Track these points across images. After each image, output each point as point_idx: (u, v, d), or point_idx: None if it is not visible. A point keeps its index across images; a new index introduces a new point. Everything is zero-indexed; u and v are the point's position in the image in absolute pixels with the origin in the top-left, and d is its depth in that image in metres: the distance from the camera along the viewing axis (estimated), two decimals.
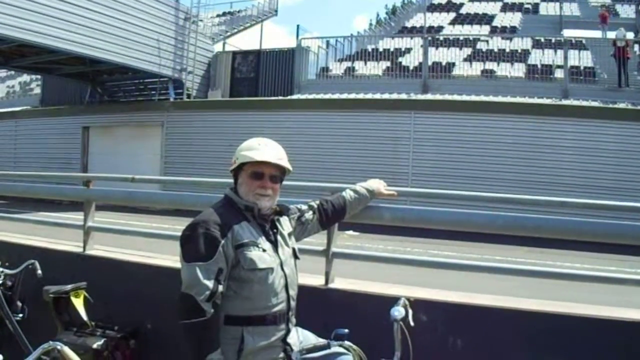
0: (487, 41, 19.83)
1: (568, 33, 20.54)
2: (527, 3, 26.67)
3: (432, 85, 16.64)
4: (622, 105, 14.28)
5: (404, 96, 16.10)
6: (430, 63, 17.21)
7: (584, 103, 14.51)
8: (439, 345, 2.86)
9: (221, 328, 2.19)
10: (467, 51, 18.72)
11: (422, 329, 2.50)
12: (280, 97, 17.33)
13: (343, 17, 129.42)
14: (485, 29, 23.51)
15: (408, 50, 19.51)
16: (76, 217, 4.63)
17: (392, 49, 19.53)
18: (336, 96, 16.84)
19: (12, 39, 13.38)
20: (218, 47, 20.49)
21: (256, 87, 18.62)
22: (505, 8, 26.49)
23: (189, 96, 18.15)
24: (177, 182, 10.03)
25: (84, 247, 4.27)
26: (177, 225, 2.66)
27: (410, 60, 18.56)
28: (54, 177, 10.73)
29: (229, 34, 22.13)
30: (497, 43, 19.33)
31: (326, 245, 3.28)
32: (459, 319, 2.92)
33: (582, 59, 17.40)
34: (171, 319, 2.16)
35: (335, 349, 2.27)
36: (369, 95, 16.58)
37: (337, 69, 19.17)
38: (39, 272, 3.66)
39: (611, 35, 17.58)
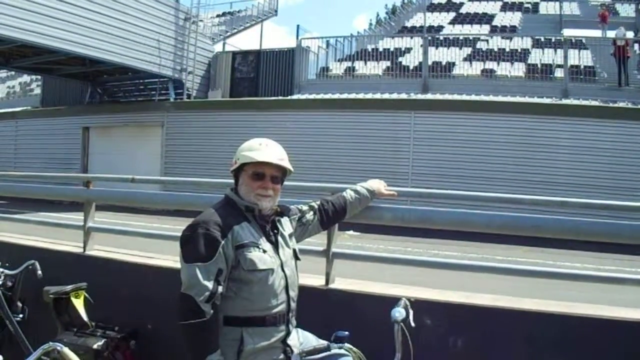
0: (487, 41, 19.83)
1: (568, 32, 20.51)
2: (527, 2, 26.67)
3: (432, 85, 16.64)
4: (622, 105, 14.28)
5: (404, 96, 16.11)
6: (430, 63, 17.21)
7: (584, 102, 14.50)
8: (439, 345, 2.86)
9: (221, 329, 2.18)
10: (467, 51, 18.72)
11: (423, 330, 2.50)
12: (280, 97, 17.33)
13: (343, 17, 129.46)
14: (485, 28, 23.52)
15: (408, 50, 19.51)
16: (76, 218, 4.63)
17: (392, 49, 19.54)
18: (336, 96, 16.84)
19: (12, 40, 13.40)
20: (218, 47, 20.52)
21: (256, 87, 18.62)
22: (505, 7, 26.50)
23: (189, 96, 18.16)
24: (177, 182, 10.03)
25: (84, 248, 4.27)
26: (178, 226, 2.66)
27: (410, 60, 18.56)
28: (54, 178, 10.72)
29: (229, 34, 22.13)
30: (497, 42, 19.34)
31: (326, 245, 3.27)
32: (459, 319, 2.92)
33: (582, 58, 17.41)
34: (172, 319, 2.16)
35: (336, 351, 2.27)
36: (369, 95, 16.59)
37: (337, 69, 19.17)
38: (39, 272, 3.66)
39: (611, 34, 17.56)
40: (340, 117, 15.16)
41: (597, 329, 2.72)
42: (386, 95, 16.42)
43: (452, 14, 25.72)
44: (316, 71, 18.72)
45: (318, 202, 2.71)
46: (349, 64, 19.24)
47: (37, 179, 7.10)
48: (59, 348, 2.06)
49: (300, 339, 2.39)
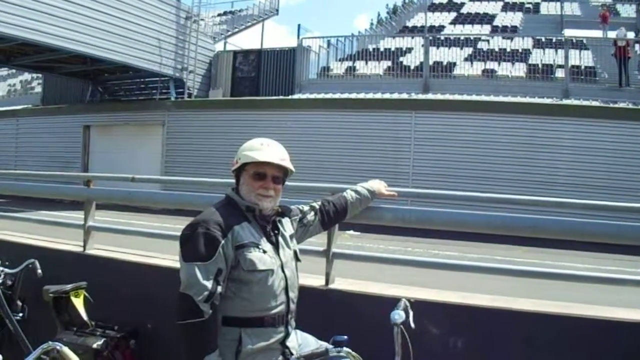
0: (488, 41, 19.82)
1: (569, 33, 20.49)
2: (528, 3, 26.65)
3: (433, 85, 16.64)
4: (622, 105, 14.28)
5: (404, 96, 16.11)
6: (431, 63, 17.21)
7: (585, 103, 14.51)
8: (439, 346, 2.86)
9: (219, 329, 2.17)
10: (468, 51, 18.71)
11: (423, 331, 2.50)
12: (281, 97, 17.34)
13: (344, 17, 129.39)
14: (486, 28, 23.51)
15: (409, 49, 19.51)
16: (76, 217, 4.63)
17: (393, 49, 19.54)
18: (337, 96, 16.84)
19: (13, 38, 13.42)
20: (219, 47, 20.56)
21: (257, 86, 18.63)
22: (506, 8, 26.49)
23: (190, 95, 18.17)
24: (177, 181, 10.03)
25: (84, 247, 4.27)
26: (178, 225, 2.65)
27: (411, 60, 18.55)
28: (54, 177, 10.73)
29: (230, 33, 22.14)
30: (498, 43, 19.32)
31: (326, 245, 3.27)
32: (458, 319, 2.92)
33: (583, 58, 17.40)
34: (171, 319, 2.16)
35: (334, 354, 2.26)
36: (370, 95, 16.59)
37: (338, 68, 19.17)
38: (39, 271, 3.66)
39: (612, 34, 17.56)
40: (341, 116, 15.17)
41: (595, 329, 2.72)
42: (387, 95, 16.42)
43: (453, 14, 25.71)
44: (317, 71, 18.74)
45: (319, 203, 2.70)
46: (350, 63, 19.24)
47: (38, 178, 7.11)
48: (58, 347, 2.06)
49: (299, 340, 2.37)
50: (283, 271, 2.28)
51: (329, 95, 16.94)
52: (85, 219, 4.30)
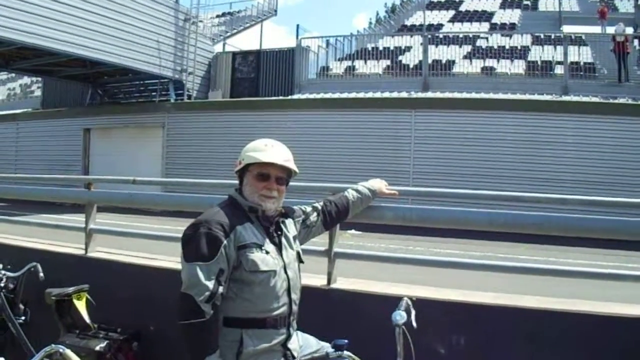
0: (486, 38, 19.82)
1: (567, 29, 20.50)
2: None
3: (432, 83, 16.64)
4: (622, 101, 14.27)
5: (404, 94, 16.10)
6: (430, 61, 17.22)
7: (584, 99, 14.49)
8: (441, 344, 2.86)
9: (220, 330, 2.16)
10: (467, 48, 18.72)
11: (424, 329, 2.50)
12: (281, 97, 17.33)
13: (343, 16, 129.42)
14: (485, 26, 23.50)
15: (408, 48, 19.51)
16: (78, 220, 4.63)
17: (392, 48, 19.55)
18: (336, 95, 16.84)
19: (12, 42, 13.41)
20: (218, 48, 20.51)
21: (257, 87, 18.63)
22: (505, 5, 26.50)
23: (189, 97, 18.17)
24: (178, 183, 10.01)
25: (86, 250, 4.28)
26: (179, 227, 2.65)
27: (411, 59, 18.55)
28: (55, 180, 10.72)
29: (228, 34, 22.13)
30: (497, 40, 19.33)
31: (328, 245, 3.27)
32: (460, 317, 2.92)
33: (582, 54, 17.39)
34: (174, 320, 2.15)
35: (334, 358, 2.26)
36: (370, 94, 16.59)
37: (337, 68, 19.17)
38: (41, 274, 3.67)
39: (610, 30, 17.57)
40: (340, 116, 15.16)
41: (597, 325, 2.72)
42: (386, 94, 16.42)
43: (452, 12, 25.72)
44: (316, 71, 18.73)
45: (321, 203, 2.69)
46: (349, 63, 19.23)
47: (39, 181, 7.11)
48: (61, 350, 2.07)
49: (301, 342, 2.37)
50: (286, 272, 2.27)
51: (329, 95, 16.93)
52: (87, 221, 4.31)
